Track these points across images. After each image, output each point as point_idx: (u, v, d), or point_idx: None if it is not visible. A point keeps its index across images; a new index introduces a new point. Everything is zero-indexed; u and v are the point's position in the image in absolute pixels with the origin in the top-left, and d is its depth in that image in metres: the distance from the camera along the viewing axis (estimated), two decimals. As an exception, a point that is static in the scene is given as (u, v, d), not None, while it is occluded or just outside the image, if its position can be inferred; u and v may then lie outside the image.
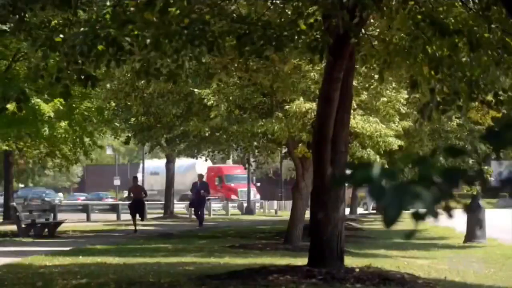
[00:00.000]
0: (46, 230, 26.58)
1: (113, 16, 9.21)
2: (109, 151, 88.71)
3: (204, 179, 47.67)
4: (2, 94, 26.22)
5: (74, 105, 27.03)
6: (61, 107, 25.52)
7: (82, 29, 9.21)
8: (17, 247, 19.89)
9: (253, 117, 16.08)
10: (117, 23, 9.15)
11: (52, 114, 24.95)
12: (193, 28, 9.37)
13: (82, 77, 11.04)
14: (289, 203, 62.69)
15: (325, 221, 11.52)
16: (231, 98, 15.64)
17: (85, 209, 43.37)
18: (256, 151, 17.49)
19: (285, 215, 54.33)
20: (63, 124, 26.07)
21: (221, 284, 10.72)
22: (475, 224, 23.12)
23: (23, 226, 26.04)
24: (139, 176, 47.25)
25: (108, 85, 17.58)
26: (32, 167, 62.74)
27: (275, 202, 57.88)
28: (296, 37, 9.70)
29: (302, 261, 14.81)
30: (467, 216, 23.41)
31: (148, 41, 9.66)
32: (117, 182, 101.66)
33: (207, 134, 16.58)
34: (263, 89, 15.69)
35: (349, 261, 13.17)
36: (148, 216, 46.70)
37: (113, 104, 27.34)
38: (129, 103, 18.62)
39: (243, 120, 15.81)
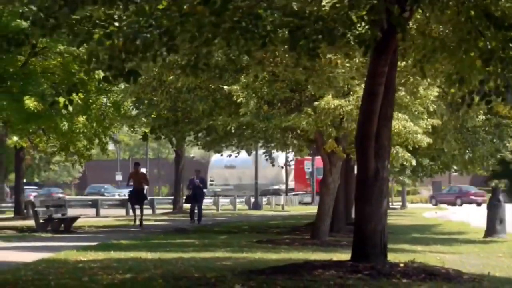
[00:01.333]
0: (62, 225, 26.56)
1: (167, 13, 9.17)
2: (111, 146, 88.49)
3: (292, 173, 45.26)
4: (20, 88, 26.25)
5: (90, 100, 27.03)
6: (79, 102, 25.48)
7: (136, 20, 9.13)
8: (40, 242, 19.84)
9: (282, 112, 16.08)
10: (172, 20, 9.12)
11: (70, 109, 24.85)
12: (245, 22, 9.34)
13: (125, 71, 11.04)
14: (294, 198, 62.75)
15: (368, 216, 11.50)
16: (259, 94, 15.61)
17: (94, 204, 43.43)
18: (285, 147, 17.39)
19: (292, 210, 54.49)
20: (81, 119, 26.03)
21: (268, 279, 10.70)
22: (495, 219, 23.15)
23: (41, 221, 26.04)
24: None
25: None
26: (38, 163, 62.67)
27: (282, 197, 57.83)
28: (347, 30, 9.68)
29: (334, 256, 14.85)
30: (488, 211, 23.46)
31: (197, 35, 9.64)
32: (118, 177, 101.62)
33: (233, 130, 16.54)
34: (292, 85, 15.67)
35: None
36: (157, 211, 46.78)
37: (132, 98, 27.38)
38: (154, 98, 18.57)
39: (272, 116, 15.79)
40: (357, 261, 11.51)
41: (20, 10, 10.80)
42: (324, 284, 10.31)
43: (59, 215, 27.20)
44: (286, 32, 9.66)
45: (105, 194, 69.62)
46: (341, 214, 22.55)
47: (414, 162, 17.67)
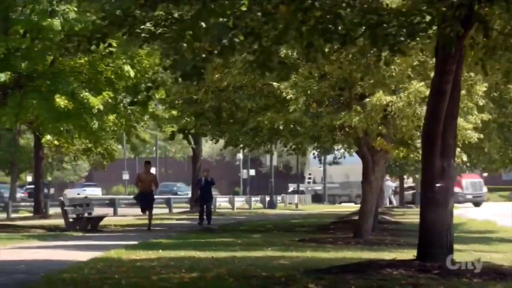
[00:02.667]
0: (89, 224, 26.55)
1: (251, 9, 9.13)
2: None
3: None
4: (48, 88, 26.20)
5: (118, 99, 26.98)
6: (109, 100, 25.47)
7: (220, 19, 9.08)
8: (77, 241, 19.80)
9: (330, 110, 16.05)
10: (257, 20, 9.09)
11: (101, 107, 24.88)
12: (326, 22, 9.31)
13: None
14: (307, 197, 62.73)
15: (434, 215, 11.46)
16: (309, 91, 15.58)
17: (112, 203, 43.50)
18: (334, 145, 17.35)
19: (306, 209, 54.51)
20: (111, 117, 25.99)
21: (338, 278, 10.66)
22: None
23: (70, 220, 26.06)
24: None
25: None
26: (51, 162, 62.59)
27: (296, 196, 57.81)
28: (427, 26, 9.62)
29: (384, 254, 14.84)
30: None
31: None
32: (125, 176, 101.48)
33: (281, 127, 16.50)
34: (340, 83, 15.64)
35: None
36: (174, 210, 46.77)
37: (160, 96, 27.31)
38: (195, 97, 18.51)
39: (320, 113, 15.76)
40: (423, 260, 11.46)
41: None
42: (397, 284, 10.27)
43: (85, 214, 27.28)
44: (364, 30, 9.62)
45: (178, 193, 68.86)
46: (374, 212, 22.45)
47: (465, 158, 17.69)
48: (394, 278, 10.61)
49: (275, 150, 24.31)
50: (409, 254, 15.10)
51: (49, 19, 24.71)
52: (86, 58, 27.32)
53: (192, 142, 43.46)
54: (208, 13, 9.10)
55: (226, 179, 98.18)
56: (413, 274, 10.89)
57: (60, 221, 32.08)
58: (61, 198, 28.45)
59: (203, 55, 9.38)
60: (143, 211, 26.66)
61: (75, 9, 24.76)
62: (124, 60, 25.86)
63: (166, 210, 45.58)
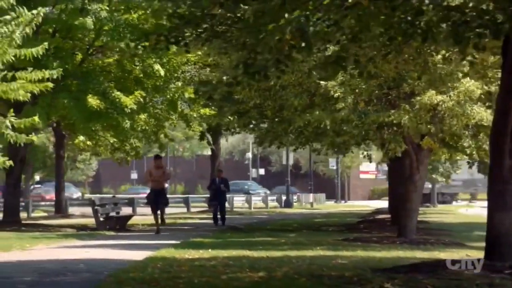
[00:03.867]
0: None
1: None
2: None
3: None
4: (78, 87, 26.15)
5: (147, 98, 26.95)
6: (141, 99, 25.43)
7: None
8: (116, 241, 19.69)
9: (377, 109, 16.01)
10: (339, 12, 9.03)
11: (134, 107, 24.84)
12: (409, 18, 9.26)
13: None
14: (321, 196, 62.61)
15: (503, 214, 11.40)
16: (357, 90, 15.54)
17: (130, 202, 43.42)
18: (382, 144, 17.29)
19: (322, 208, 54.47)
20: (142, 116, 25.97)
21: (410, 278, 10.61)
22: None
23: (101, 219, 26.02)
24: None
25: (224, 77, 17.46)
26: (65, 161, 62.43)
27: (311, 195, 57.78)
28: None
29: (434, 254, 14.82)
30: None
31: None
32: (134, 175, 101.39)
33: (328, 126, 16.44)
34: (389, 82, 15.59)
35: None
36: (192, 209, 46.68)
37: (189, 95, 27.26)
38: (236, 96, 18.43)
39: (368, 111, 15.72)
40: (491, 260, 11.40)
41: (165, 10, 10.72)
42: (473, 283, 10.22)
43: (113, 214, 27.25)
44: (445, 27, 9.54)
45: (250, 191, 68.49)
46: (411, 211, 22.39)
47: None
48: (467, 278, 10.54)
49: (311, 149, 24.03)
50: (460, 253, 15.13)
51: (80, 18, 24.64)
52: (114, 58, 27.35)
53: (211, 142, 43.47)
54: (292, 3, 9.06)
55: (235, 178, 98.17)
56: (485, 273, 10.82)
57: (86, 220, 32.23)
58: (92, 197, 28.32)
59: (286, 48, 9.29)
60: (154, 211, 23.53)
61: (107, 7, 24.74)
62: (154, 59, 25.81)
63: (184, 210, 45.53)
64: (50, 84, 15.63)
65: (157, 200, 23.47)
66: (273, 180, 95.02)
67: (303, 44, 9.21)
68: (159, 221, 23.76)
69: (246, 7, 9.47)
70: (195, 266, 12.53)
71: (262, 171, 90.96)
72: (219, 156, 44.96)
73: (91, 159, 79.80)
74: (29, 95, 14.87)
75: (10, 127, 15.12)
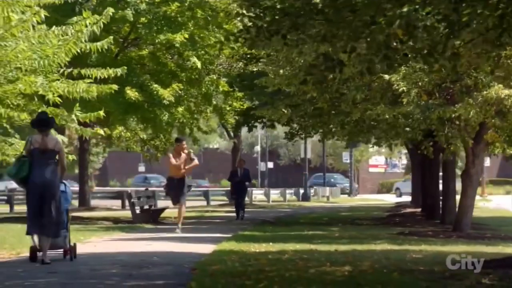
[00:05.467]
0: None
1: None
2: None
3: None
4: (116, 79, 26.00)
5: (182, 91, 26.89)
6: (179, 92, 25.38)
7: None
8: (162, 234, 19.57)
9: (440, 102, 15.98)
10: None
11: (172, 99, 24.78)
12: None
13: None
14: (337, 190, 62.58)
15: None
16: (420, 83, 15.50)
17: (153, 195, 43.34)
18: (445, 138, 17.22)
19: (339, 201, 54.44)
20: (180, 109, 25.93)
21: (502, 273, 10.58)
22: None
23: (137, 212, 26.01)
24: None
25: (281, 71, 17.44)
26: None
27: (327, 188, 57.76)
28: None
29: (503, 249, 14.78)
30: None
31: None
32: (141, 168, 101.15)
33: (389, 120, 16.36)
34: (452, 75, 15.52)
35: None
36: (212, 202, 46.64)
37: (223, 88, 27.23)
38: (287, 89, 18.38)
39: (431, 105, 15.68)
40: None
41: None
42: None
43: (146, 206, 27.23)
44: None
45: (336, 184, 68.27)
46: (452, 206, 22.43)
47: None
48: None
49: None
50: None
51: (120, 11, 24.56)
52: (148, 50, 27.29)
53: (232, 135, 43.49)
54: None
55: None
56: None
57: (115, 213, 32.25)
58: (128, 190, 28.29)
59: (394, 43, 9.24)
60: (174, 202, 20.58)
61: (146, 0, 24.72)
62: (191, 52, 25.75)
63: (204, 203, 45.50)
64: (115, 86, 15.68)
65: (177, 191, 20.04)
66: (281, 174, 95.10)
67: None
68: (179, 217, 20.11)
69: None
70: (272, 260, 12.49)
71: (270, 165, 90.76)
72: (241, 150, 44.88)
73: (104, 152, 79.77)
74: (95, 94, 14.88)
75: (76, 121, 15.15)
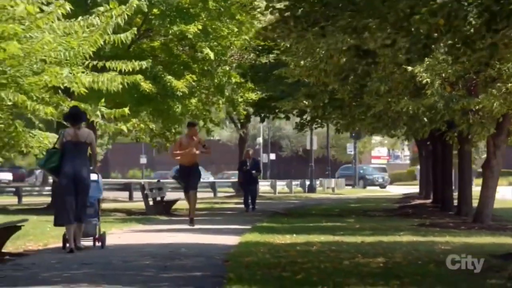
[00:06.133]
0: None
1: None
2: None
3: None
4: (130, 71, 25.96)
5: (196, 83, 26.83)
6: (193, 83, 25.33)
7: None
8: (178, 225, 19.50)
9: (462, 93, 15.96)
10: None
11: (186, 90, 24.73)
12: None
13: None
14: (342, 181, 62.56)
15: None
16: (443, 74, 15.47)
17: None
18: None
19: (344, 193, 54.43)
20: (193, 100, 25.89)
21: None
22: None
23: (150, 204, 26.02)
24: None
25: (302, 62, 17.39)
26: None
27: (333, 180, 57.78)
28: None
29: None
30: None
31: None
32: (143, 160, 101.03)
33: (411, 112, 16.27)
34: (476, 66, 15.46)
35: None
36: (219, 194, 46.61)
37: (235, 79, 27.18)
38: (306, 80, 18.31)
39: (454, 97, 15.66)
40: None
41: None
42: None
43: (158, 198, 27.22)
44: None
45: (366, 176, 68.00)
46: (468, 197, 22.43)
47: None
48: None
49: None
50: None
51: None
52: (160, 41, 27.21)
53: (239, 126, 43.43)
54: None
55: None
56: None
57: (126, 205, 32.28)
58: (142, 182, 28.27)
59: (435, 34, 9.23)
60: (186, 193, 18.80)
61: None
62: (204, 43, 25.67)
63: (211, 194, 45.46)
64: (140, 76, 15.67)
65: (189, 180, 18.42)
66: (283, 166, 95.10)
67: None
68: (191, 208, 18.79)
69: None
70: (301, 251, 12.47)
71: (273, 156, 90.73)
72: (248, 141, 44.85)
73: (108, 144, 79.72)
74: (120, 86, 14.88)
75: (100, 116, 15.15)
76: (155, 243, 14.20)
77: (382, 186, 64.02)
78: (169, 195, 41.91)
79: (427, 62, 15.37)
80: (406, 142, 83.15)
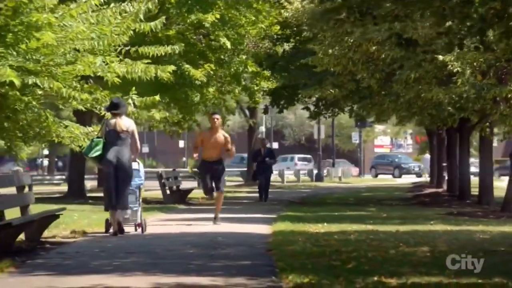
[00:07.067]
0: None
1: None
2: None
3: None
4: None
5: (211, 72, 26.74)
6: (211, 72, 25.24)
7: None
8: (200, 214, 19.49)
9: (493, 82, 15.89)
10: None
11: (204, 79, 24.65)
12: None
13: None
14: (348, 170, 62.52)
15: None
16: (474, 63, 15.39)
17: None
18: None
19: (351, 181, 54.37)
20: (211, 89, 25.82)
21: None
22: None
23: (168, 193, 25.99)
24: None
25: (330, 50, 17.28)
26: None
27: (340, 169, 57.78)
28: None
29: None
30: None
31: None
32: (145, 149, 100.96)
33: (442, 99, 16.19)
34: (508, 54, 15.42)
35: None
36: (228, 183, 46.45)
37: (252, 68, 27.07)
38: (332, 69, 18.23)
39: (486, 85, 15.59)
40: None
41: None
42: None
43: (174, 187, 27.19)
44: None
45: (402, 165, 67.47)
46: (489, 187, 22.42)
47: None
48: None
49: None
50: None
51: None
52: (176, 30, 27.09)
53: (249, 115, 43.42)
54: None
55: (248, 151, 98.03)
56: None
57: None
58: (159, 171, 28.22)
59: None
60: (207, 192, 16.30)
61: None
62: (221, 32, 25.57)
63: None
64: (173, 67, 15.68)
65: (213, 176, 15.99)
66: (287, 154, 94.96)
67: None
68: (217, 208, 16.21)
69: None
70: (341, 240, 12.43)
71: (275, 145, 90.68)
72: (257, 131, 44.83)
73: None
74: (153, 75, 14.91)
75: (132, 104, 15.14)
76: (189, 232, 14.18)
77: (419, 175, 63.26)
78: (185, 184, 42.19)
79: (458, 51, 15.30)
80: (409, 131, 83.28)
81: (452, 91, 15.70)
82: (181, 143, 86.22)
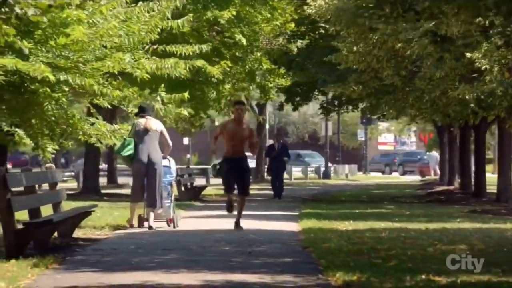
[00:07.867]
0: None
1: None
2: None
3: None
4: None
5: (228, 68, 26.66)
6: (227, 69, 25.17)
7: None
8: (217, 211, 19.36)
9: (519, 79, 15.86)
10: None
11: (221, 76, 24.58)
12: None
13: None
14: (354, 168, 62.46)
15: None
16: (502, 61, 15.34)
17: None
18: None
19: (359, 179, 54.35)
20: (227, 86, 25.79)
21: None
22: None
23: (183, 190, 25.95)
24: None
25: (354, 48, 17.25)
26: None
27: (346, 166, 57.73)
28: None
29: None
30: None
31: None
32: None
33: (468, 97, 16.14)
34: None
35: None
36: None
37: (266, 65, 27.02)
38: (355, 66, 18.20)
39: (512, 81, 15.57)
40: None
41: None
42: None
43: (188, 184, 27.15)
44: None
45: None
46: (508, 184, 22.39)
47: None
48: None
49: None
50: None
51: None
52: (190, 26, 27.04)
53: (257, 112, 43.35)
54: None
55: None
56: None
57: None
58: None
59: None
60: (228, 190, 14.38)
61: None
62: (237, 29, 25.50)
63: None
64: (203, 62, 15.73)
65: (237, 175, 14.01)
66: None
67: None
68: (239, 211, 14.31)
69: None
70: (374, 238, 12.40)
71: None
72: (266, 127, 44.80)
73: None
74: (184, 71, 14.96)
75: (160, 101, 15.14)
76: (218, 229, 14.14)
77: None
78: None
79: (485, 48, 15.27)
80: (413, 128, 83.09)
81: (478, 88, 15.66)
82: (186, 140, 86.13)
